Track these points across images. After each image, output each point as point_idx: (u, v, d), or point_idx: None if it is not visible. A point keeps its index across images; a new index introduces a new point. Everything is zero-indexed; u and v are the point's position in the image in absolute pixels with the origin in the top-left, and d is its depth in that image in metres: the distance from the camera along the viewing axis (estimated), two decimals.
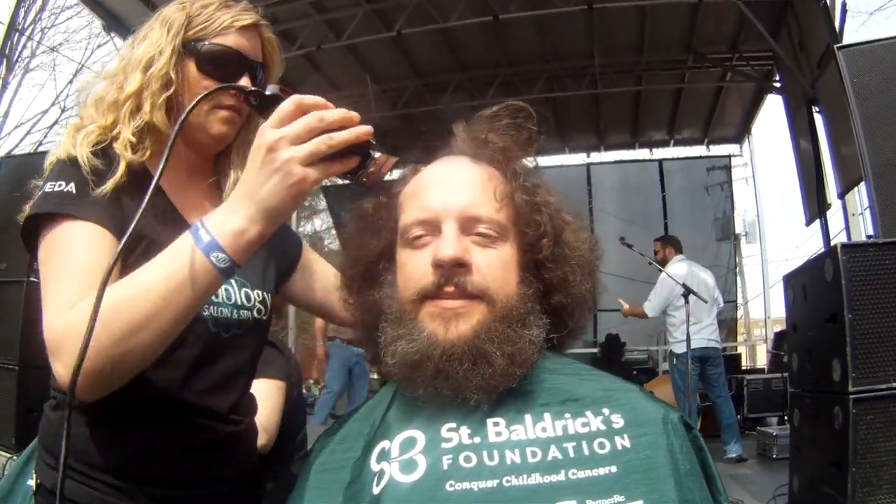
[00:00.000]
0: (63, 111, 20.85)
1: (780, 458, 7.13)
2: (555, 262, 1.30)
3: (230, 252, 1.21)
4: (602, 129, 14.42)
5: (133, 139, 1.48)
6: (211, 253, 1.21)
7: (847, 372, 3.65)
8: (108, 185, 1.41)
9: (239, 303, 1.59)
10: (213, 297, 1.49)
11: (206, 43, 1.55)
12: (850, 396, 3.63)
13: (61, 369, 1.21)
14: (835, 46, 4.36)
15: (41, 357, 2.75)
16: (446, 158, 1.37)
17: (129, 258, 1.35)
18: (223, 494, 1.57)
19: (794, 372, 4.66)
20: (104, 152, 1.46)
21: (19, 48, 19.26)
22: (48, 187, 1.41)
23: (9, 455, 4.26)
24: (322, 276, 1.84)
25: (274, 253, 1.71)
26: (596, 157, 15.78)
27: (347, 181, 1.25)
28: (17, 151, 17.92)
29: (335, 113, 1.19)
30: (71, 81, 20.82)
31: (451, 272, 1.21)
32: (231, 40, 1.56)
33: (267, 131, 1.19)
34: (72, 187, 1.40)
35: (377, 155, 1.24)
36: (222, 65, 1.56)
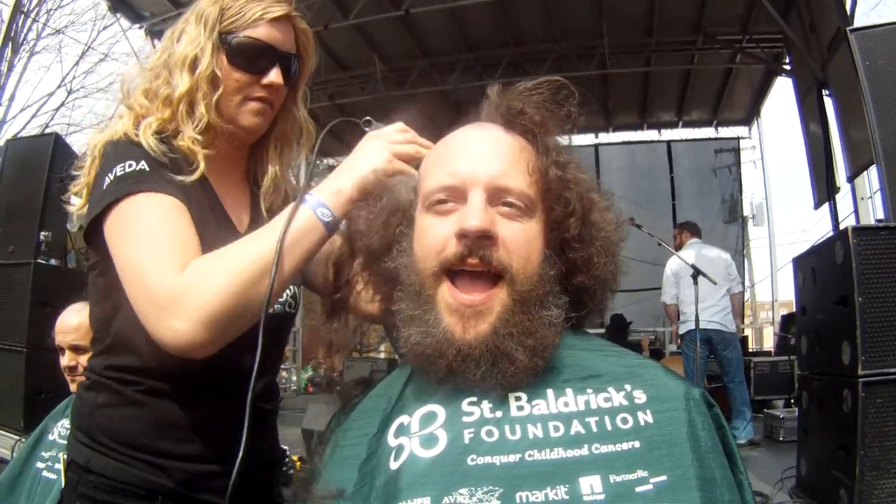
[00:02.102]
0: (69, 93, 20.88)
1: (786, 440, 7.12)
2: (580, 243, 1.27)
3: (331, 207, 1.43)
4: (610, 110, 14.36)
5: (199, 137, 1.57)
6: (317, 209, 1.42)
7: (857, 355, 3.65)
8: (194, 175, 1.54)
9: None
10: None
11: (237, 35, 1.58)
12: (860, 380, 3.62)
13: (181, 324, 1.30)
14: (847, 29, 4.33)
15: (49, 339, 2.75)
16: (476, 124, 1.33)
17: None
18: (249, 469, 1.56)
19: (802, 355, 4.65)
20: (166, 142, 1.54)
21: (25, 30, 19.24)
22: (118, 170, 1.45)
23: (17, 437, 4.26)
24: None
25: None
26: (604, 137, 15.72)
27: None
28: (22, 134, 17.96)
29: (424, 141, 1.49)
30: (77, 63, 20.84)
31: (476, 244, 1.17)
32: (261, 32, 1.60)
33: (382, 131, 1.51)
34: (143, 165, 1.47)
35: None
36: (253, 58, 1.60)
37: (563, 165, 1.28)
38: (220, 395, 1.51)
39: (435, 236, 1.22)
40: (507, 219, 1.21)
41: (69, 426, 2.71)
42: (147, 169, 1.46)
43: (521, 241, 1.20)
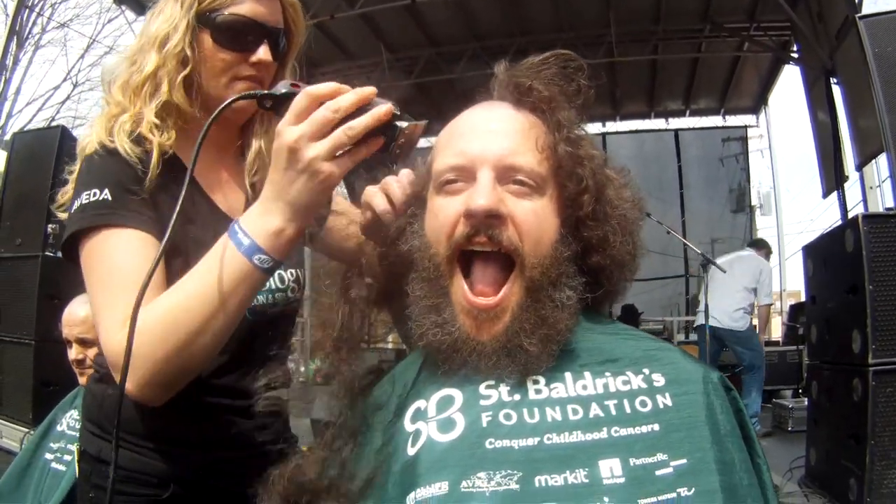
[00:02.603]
0: (75, 86, 20.90)
1: (795, 430, 7.11)
2: (595, 221, 1.24)
3: (271, 252, 1.25)
4: (618, 99, 14.31)
5: (156, 120, 1.47)
6: (253, 256, 1.25)
7: (867, 344, 3.64)
8: (146, 184, 1.42)
9: (273, 287, 1.60)
10: None
11: (221, 13, 1.50)
12: (870, 368, 3.62)
13: (129, 385, 1.25)
14: (856, 16, 4.31)
15: (57, 331, 2.77)
16: (486, 103, 1.29)
17: (171, 259, 1.41)
18: (261, 454, 1.56)
19: (812, 344, 4.64)
20: (138, 140, 1.46)
21: (30, 24, 19.25)
22: (84, 197, 1.40)
23: (26, 430, 4.28)
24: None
25: None
26: (612, 126, 15.68)
27: (379, 162, 1.26)
28: (29, 127, 18.00)
29: (349, 98, 1.19)
30: (82, 56, 20.87)
31: (484, 223, 1.15)
32: (247, 8, 1.51)
33: (286, 131, 1.19)
34: (107, 194, 1.40)
35: (404, 126, 1.24)
36: (238, 35, 1.52)
37: (575, 141, 1.24)
38: (229, 385, 1.53)
39: (445, 217, 1.20)
40: (518, 197, 1.18)
41: (78, 417, 2.74)
42: (110, 198, 1.39)
43: (531, 219, 1.18)
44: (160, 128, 1.47)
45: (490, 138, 1.21)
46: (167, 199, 1.44)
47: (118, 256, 1.37)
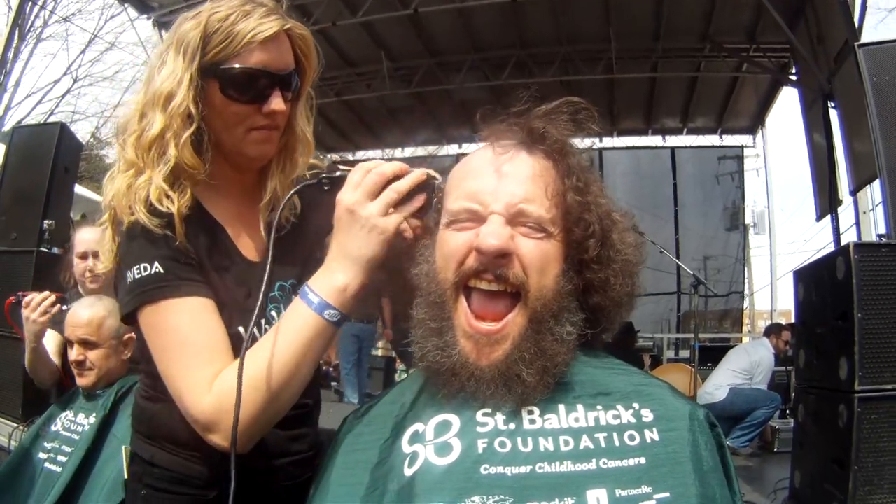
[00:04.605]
0: (75, 81, 20.88)
1: (781, 451, 7.15)
2: (599, 264, 1.29)
3: (339, 307, 1.36)
4: (615, 115, 14.32)
5: (165, 186, 1.49)
6: (324, 312, 1.35)
7: (854, 370, 3.67)
8: (181, 247, 1.49)
9: None
10: (272, 317, 1.62)
11: (228, 66, 1.49)
12: (856, 395, 3.65)
13: (222, 441, 1.35)
14: (855, 45, 4.35)
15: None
16: (499, 144, 1.31)
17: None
18: (294, 463, 1.69)
19: (800, 368, 4.67)
20: (156, 211, 1.48)
21: (32, 17, 19.23)
22: (136, 272, 1.46)
23: (15, 424, 4.28)
24: None
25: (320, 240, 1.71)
26: (608, 142, 15.70)
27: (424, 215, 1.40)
28: (28, 120, 17.97)
29: (391, 166, 1.35)
30: (83, 52, 20.83)
31: (493, 263, 1.21)
32: (255, 58, 1.49)
33: (344, 197, 1.34)
34: (157, 267, 1.46)
35: (439, 181, 1.39)
36: (248, 88, 1.50)
37: (584, 189, 1.29)
38: None
39: (455, 246, 1.25)
40: (525, 236, 1.23)
41: (73, 419, 2.74)
42: (162, 271, 1.46)
43: (536, 255, 1.23)
44: (174, 190, 1.50)
45: (502, 182, 1.25)
46: (200, 249, 1.53)
47: (185, 326, 1.44)
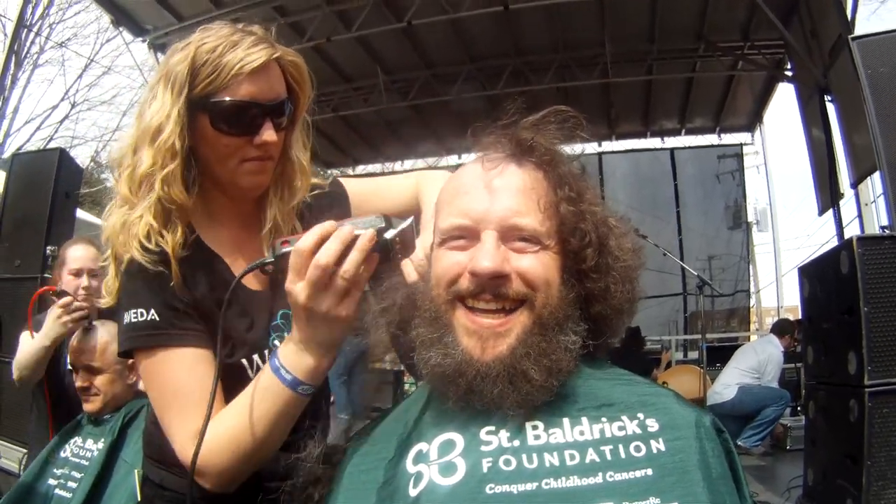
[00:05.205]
0: (73, 106, 20.96)
1: (793, 449, 7.12)
2: (598, 273, 1.27)
3: (311, 382, 1.37)
4: (613, 119, 14.34)
5: (155, 223, 1.49)
6: (297, 388, 1.37)
7: (863, 365, 3.65)
8: (177, 291, 1.50)
9: None
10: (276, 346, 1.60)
11: (218, 99, 1.46)
12: (866, 389, 3.63)
13: (206, 484, 1.41)
14: (849, 38, 4.35)
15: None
16: (488, 159, 1.29)
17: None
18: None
19: (809, 364, 4.65)
20: (149, 251, 1.48)
21: (28, 44, 19.33)
22: (132, 315, 1.48)
23: (24, 450, 4.28)
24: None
25: None
26: (608, 146, 15.73)
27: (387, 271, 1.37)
28: (27, 147, 18.03)
29: (334, 246, 1.25)
30: (80, 76, 20.92)
31: (489, 284, 1.19)
32: (244, 90, 1.47)
33: (293, 291, 1.28)
34: (153, 315, 1.48)
35: (392, 236, 1.30)
36: (238, 120, 1.48)
37: (577, 198, 1.27)
38: None
39: (448, 265, 1.24)
40: (521, 253, 1.22)
41: (82, 444, 2.74)
42: (157, 319, 1.47)
43: (538, 269, 1.21)
44: (167, 226, 1.50)
45: (494, 197, 1.23)
46: (200, 285, 1.54)
47: (177, 377, 1.47)
